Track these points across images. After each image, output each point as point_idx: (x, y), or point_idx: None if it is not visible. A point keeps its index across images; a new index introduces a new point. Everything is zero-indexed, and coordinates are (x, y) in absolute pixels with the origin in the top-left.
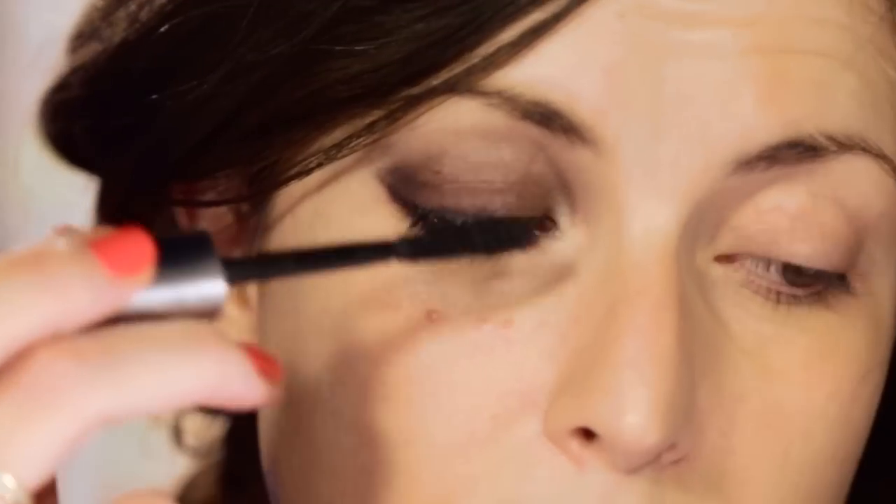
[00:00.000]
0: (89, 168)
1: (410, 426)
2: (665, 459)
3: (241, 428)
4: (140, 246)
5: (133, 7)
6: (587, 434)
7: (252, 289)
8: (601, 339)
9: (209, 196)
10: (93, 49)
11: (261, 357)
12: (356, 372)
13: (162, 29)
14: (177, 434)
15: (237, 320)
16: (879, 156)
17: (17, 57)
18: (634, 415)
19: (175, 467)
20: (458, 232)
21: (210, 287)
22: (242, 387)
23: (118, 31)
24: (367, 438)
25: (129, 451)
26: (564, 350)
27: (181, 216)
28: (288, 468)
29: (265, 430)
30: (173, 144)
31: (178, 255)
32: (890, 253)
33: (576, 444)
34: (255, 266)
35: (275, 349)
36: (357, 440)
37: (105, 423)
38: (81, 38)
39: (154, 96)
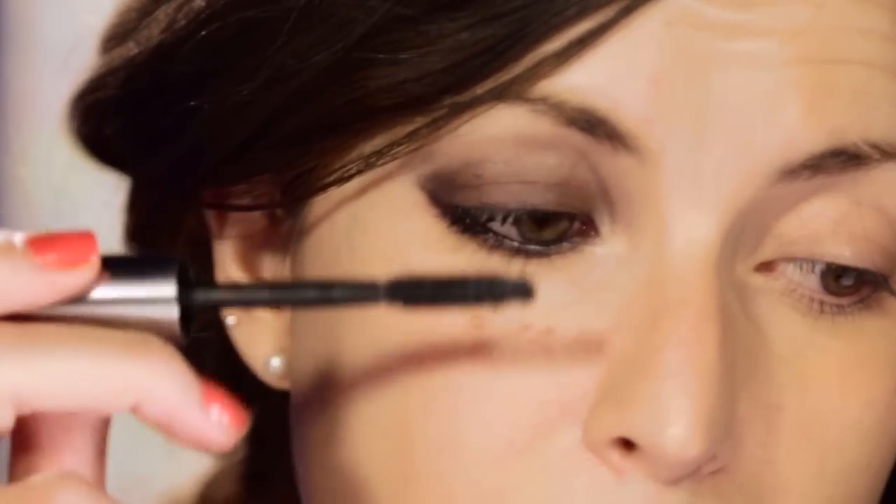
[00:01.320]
0: (121, 168)
1: (448, 435)
2: (704, 470)
3: (263, 426)
4: (81, 244)
5: (170, 10)
6: (627, 444)
7: None
8: (643, 350)
9: (243, 200)
10: (128, 50)
11: (214, 392)
12: (395, 378)
13: (200, 34)
14: None
15: (268, 322)
16: None
17: (48, 57)
18: (677, 426)
19: (198, 465)
20: (451, 282)
21: (163, 310)
22: (178, 405)
23: (155, 34)
24: (403, 446)
25: (152, 450)
26: (605, 359)
27: (212, 220)
28: (322, 473)
29: (298, 434)
30: (209, 148)
31: (144, 273)
32: None
33: (616, 455)
34: (224, 292)
35: (309, 354)
36: (393, 447)
37: (17, 406)
38: (116, 38)
39: (191, 101)
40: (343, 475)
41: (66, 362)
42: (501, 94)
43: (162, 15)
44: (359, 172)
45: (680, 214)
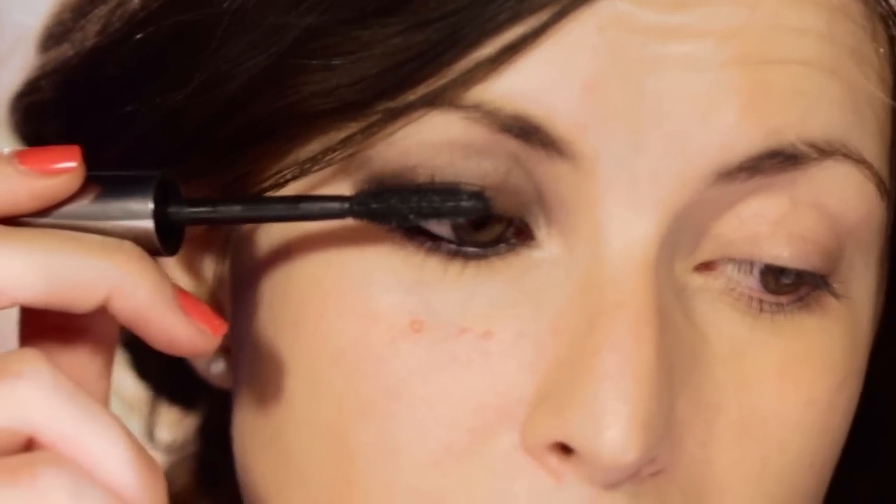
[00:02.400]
0: None
1: (386, 438)
2: (644, 472)
3: (214, 421)
4: (64, 153)
5: (105, 12)
6: (565, 448)
7: (226, 296)
8: (579, 353)
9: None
10: (63, 52)
11: (191, 300)
12: (332, 383)
13: (135, 37)
14: (149, 428)
15: None
16: (860, 161)
17: None
18: (614, 430)
19: None
20: (411, 194)
21: (140, 223)
22: (145, 299)
23: (90, 36)
24: (342, 450)
25: None
26: (543, 363)
27: None
28: (261, 475)
29: (238, 435)
30: (145, 152)
31: (125, 189)
32: (869, 259)
33: (554, 459)
34: (200, 207)
35: (248, 357)
36: (332, 451)
37: None
38: (52, 38)
39: (126, 104)
40: (282, 479)
41: (39, 255)
42: (434, 101)
43: (97, 17)
44: (294, 178)
45: (616, 217)
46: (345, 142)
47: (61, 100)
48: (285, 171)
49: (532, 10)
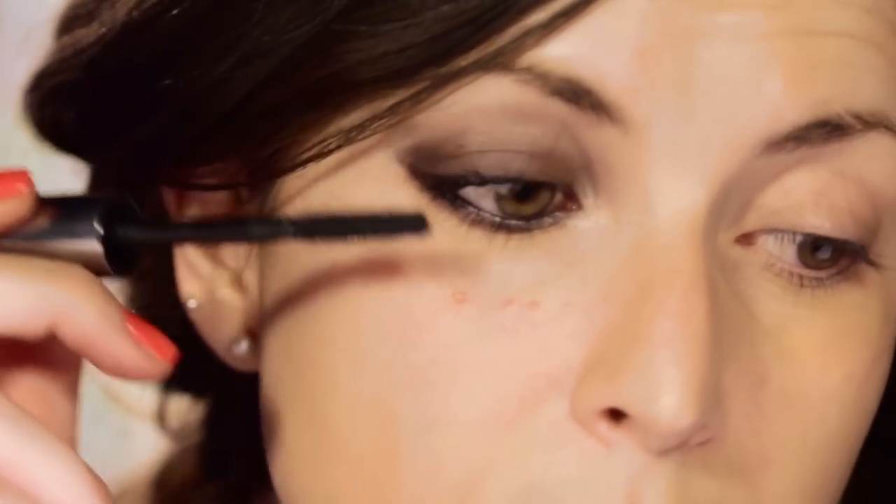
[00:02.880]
0: (78, 153)
1: (434, 409)
2: (693, 441)
3: (220, 409)
4: (12, 179)
5: None
6: (616, 415)
7: (251, 271)
8: (632, 320)
9: (206, 180)
10: (94, 31)
11: (150, 331)
12: (377, 355)
13: (172, 12)
14: (160, 416)
15: (232, 304)
16: None
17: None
18: (670, 396)
19: (154, 449)
20: (350, 217)
21: (88, 246)
22: (91, 324)
23: (121, 14)
24: (388, 422)
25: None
26: (592, 331)
27: (170, 200)
28: (299, 453)
29: (270, 416)
30: (183, 128)
31: (75, 212)
32: None
33: (604, 426)
34: (150, 229)
35: (282, 334)
36: (377, 423)
37: None
38: (77, 20)
39: (163, 80)
40: (325, 455)
41: None
42: (486, 66)
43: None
44: (338, 147)
45: (665, 185)
46: (392, 109)
47: (88, 80)
48: (329, 141)
49: None
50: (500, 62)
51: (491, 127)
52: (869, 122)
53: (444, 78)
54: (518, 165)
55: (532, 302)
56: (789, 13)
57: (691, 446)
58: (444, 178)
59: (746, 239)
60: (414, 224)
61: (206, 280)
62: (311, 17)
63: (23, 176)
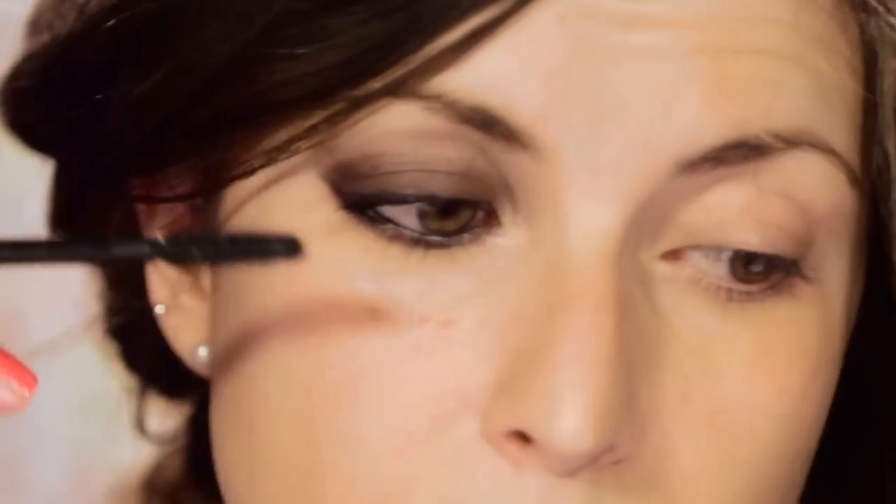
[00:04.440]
0: (49, 154)
1: (350, 426)
2: (604, 461)
3: (204, 412)
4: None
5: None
6: (524, 437)
7: (207, 279)
8: (538, 341)
9: (163, 191)
10: (43, 39)
11: (10, 361)
12: (299, 371)
13: (108, 23)
14: (139, 421)
15: (193, 310)
16: (828, 151)
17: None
18: (569, 419)
19: (143, 452)
20: (218, 241)
21: None
22: None
23: (68, 23)
24: (309, 439)
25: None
26: (503, 351)
27: (141, 211)
28: (234, 463)
29: (215, 425)
30: (120, 139)
31: None
32: (841, 248)
33: (513, 447)
34: (4, 251)
35: (223, 343)
36: (298, 439)
37: None
38: (35, 25)
39: (101, 91)
40: (255, 467)
41: None
42: (396, 90)
43: (73, 4)
44: (262, 166)
45: (579, 207)
46: (309, 130)
47: (40, 86)
48: (254, 160)
49: (492, 0)
50: (409, 87)
51: (405, 150)
52: (791, 141)
53: (358, 101)
54: (434, 184)
55: (447, 320)
56: (703, 31)
57: (603, 465)
58: (362, 196)
59: (674, 255)
60: (286, 249)
61: (173, 286)
62: (234, 36)
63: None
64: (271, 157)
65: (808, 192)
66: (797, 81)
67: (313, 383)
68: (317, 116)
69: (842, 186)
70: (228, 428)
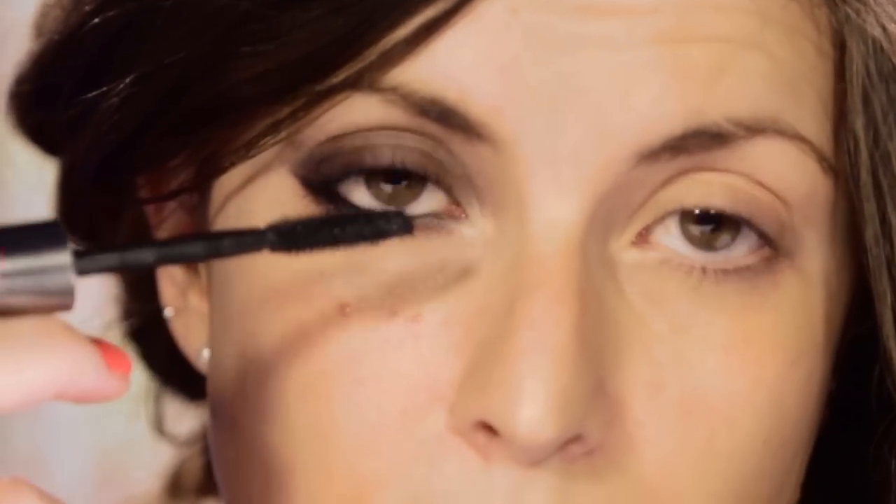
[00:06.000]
0: (53, 155)
1: (323, 422)
2: (574, 451)
3: None
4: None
5: (66, 5)
6: (491, 428)
7: (204, 284)
8: (500, 333)
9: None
10: (38, 45)
11: (110, 351)
12: (274, 368)
13: (84, 28)
14: (159, 423)
15: (199, 312)
16: (796, 138)
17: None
18: (529, 409)
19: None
20: (329, 222)
21: (60, 279)
22: (94, 381)
23: (55, 29)
24: (287, 434)
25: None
26: (470, 343)
27: (150, 211)
28: (225, 462)
29: (209, 424)
30: (110, 138)
31: (29, 245)
32: (820, 236)
33: (481, 438)
34: (112, 256)
35: (215, 345)
36: (278, 436)
37: None
38: (38, 29)
39: (90, 92)
40: (242, 465)
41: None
42: (354, 84)
43: (60, 10)
44: (232, 164)
45: (541, 198)
46: (274, 126)
47: (38, 89)
48: (227, 157)
49: None
50: (367, 81)
51: (369, 141)
52: (752, 128)
53: (319, 95)
54: (400, 157)
55: (416, 314)
56: (658, 20)
57: (574, 456)
58: (329, 187)
59: (642, 238)
60: (399, 225)
61: (181, 288)
62: (201, 36)
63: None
64: (241, 154)
65: (778, 181)
66: (757, 68)
67: (288, 380)
68: (281, 112)
69: (813, 173)
70: (220, 427)
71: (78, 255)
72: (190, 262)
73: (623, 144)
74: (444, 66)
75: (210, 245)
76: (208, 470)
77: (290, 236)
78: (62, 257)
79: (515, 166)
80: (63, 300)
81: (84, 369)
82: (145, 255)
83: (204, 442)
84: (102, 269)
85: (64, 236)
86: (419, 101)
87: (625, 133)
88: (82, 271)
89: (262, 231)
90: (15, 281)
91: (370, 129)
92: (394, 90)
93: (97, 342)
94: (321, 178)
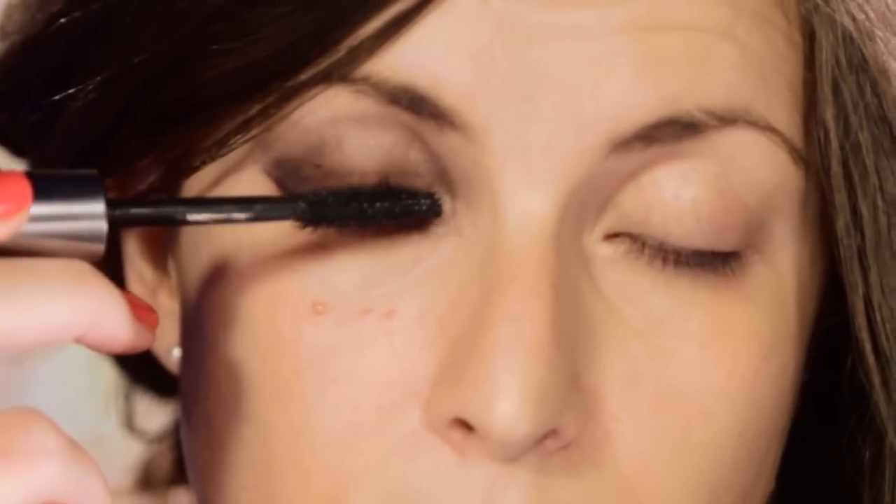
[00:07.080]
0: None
1: (299, 420)
2: (550, 446)
3: None
4: (16, 188)
5: (32, 4)
6: (467, 424)
7: (174, 282)
8: (475, 327)
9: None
10: (6, 44)
11: (138, 303)
12: (251, 367)
13: (50, 29)
14: (128, 418)
15: (167, 310)
16: (767, 129)
17: None
18: (505, 404)
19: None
20: (358, 197)
21: (92, 226)
22: (118, 327)
23: (19, 30)
24: (263, 433)
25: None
26: (444, 338)
27: None
28: (200, 463)
29: (182, 423)
30: (78, 140)
31: (64, 191)
32: (791, 227)
33: (457, 434)
34: (145, 209)
35: (184, 342)
36: (253, 434)
37: None
38: (2, 31)
39: (57, 94)
40: (216, 464)
41: (24, 304)
42: (325, 78)
43: (25, 11)
44: (203, 163)
45: (513, 189)
46: (245, 124)
47: (2, 94)
48: (197, 157)
49: None
50: (338, 74)
51: (341, 138)
52: (724, 118)
53: (289, 91)
54: (375, 171)
55: (390, 311)
56: (630, 9)
57: (550, 451)
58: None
59: (615, 235)
60: (429, 205)
61: (151, 287)
62: (169, 35)
63: (23, 187)
64: (212, 154)
65: (748, 172)
66: (729, 57)
67: (263, 379)
68: (252, 110)
69: (784, 165)
70: (192, 424)
71: (111, 205)
72: (223, 223)
73: (595, 133)
74: (416, 54)
75: (242, 207)
76: (179, 464)
77: (320, 206)
78: (96, 206)
79: (487, 156)
80: (93, 248)
81: (109, 314)
82: (178, 212)
83: (175, 437)
84: (135, 221)
85: (99, 186)
86: (390, 90)
87: (597, 122)
88: (115, 221)
89: (295, 199)
90: (46, 225)
91: (341, 122)
92: (364, 80)
93: (126, 293)
94: (296, 188)
